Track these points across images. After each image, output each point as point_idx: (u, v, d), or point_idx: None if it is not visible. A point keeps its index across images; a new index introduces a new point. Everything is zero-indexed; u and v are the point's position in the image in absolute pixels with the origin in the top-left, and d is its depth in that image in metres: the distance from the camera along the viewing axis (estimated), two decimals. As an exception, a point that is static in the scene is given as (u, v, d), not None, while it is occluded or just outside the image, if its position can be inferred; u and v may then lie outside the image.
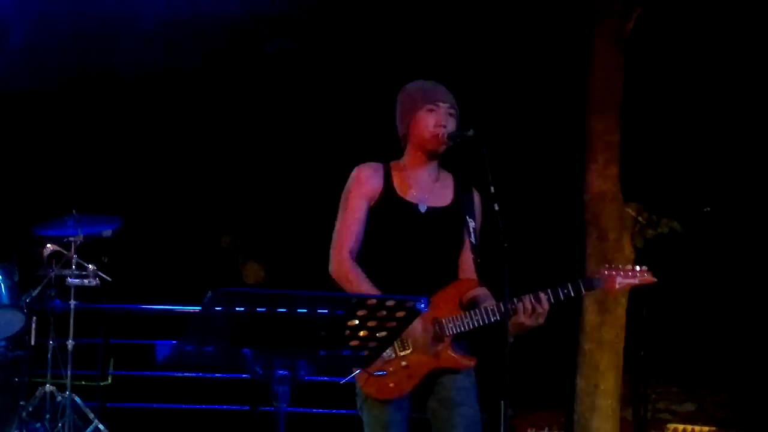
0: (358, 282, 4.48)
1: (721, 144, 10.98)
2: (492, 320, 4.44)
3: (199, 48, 10.30)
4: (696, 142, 10.96)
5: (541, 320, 4.45)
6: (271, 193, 13.10)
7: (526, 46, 10.05)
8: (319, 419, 8.73)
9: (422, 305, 3.30)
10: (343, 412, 8.20)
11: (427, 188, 4.65)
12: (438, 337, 4.48)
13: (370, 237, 4.59)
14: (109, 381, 7.88)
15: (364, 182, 4.61)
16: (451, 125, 4.60)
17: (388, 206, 4.58)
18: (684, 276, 11.03)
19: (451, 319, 4.49)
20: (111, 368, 7.62)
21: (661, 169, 10.75)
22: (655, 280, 4.57)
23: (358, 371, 4.45)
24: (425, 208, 4.62)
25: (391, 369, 4.44)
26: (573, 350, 7.41)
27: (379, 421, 4.47)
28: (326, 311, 3.21)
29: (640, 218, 7.35)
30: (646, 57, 9.16)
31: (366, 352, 3.44)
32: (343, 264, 4.53)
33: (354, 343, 3.37)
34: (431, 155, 4.64)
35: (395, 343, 4.40)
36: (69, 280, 7.26)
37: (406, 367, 4.44)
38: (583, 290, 4.45)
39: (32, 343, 7.19)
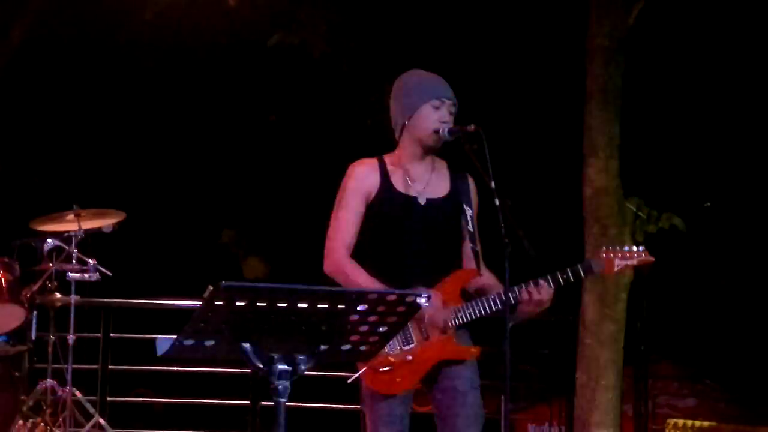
0: (355, 274, 4.49)
1: (721, 139, 10.98)
2: (494, 309, 4.45)
3: (203, 44, 10.30)
4: (696, 137, 10.97)
5: (545, 305, 4.45)
6: (272, 189, 13.11)
7: (526, 40, 10.05)
8: (319, 414, 8.73)
9: (423, 300, 3.29)
10: (343, 406, 8.21)
11: (425, 180, 4.65)
12: (442, 329, 4.49)
13: (370, 233, 4.59)
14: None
15: (361, 180, 4.60)
16: (451, 123, 4.60)
17: (387, 201, 4.58)
18: (684, 271, 11.03)
19: (453, 310, 4.50)
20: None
21: (661, 164, 10.75)
22: (653, 259, 4.58)
23: (363, 369, 4.45)
24: (424, 200, 4.62)
25: (396, 364, 4.45)
26: (573, 345, 7.41)
27: (383, 415, 4.49)
28: (327, 306, 3.21)
29: (640, 213, 7.35)
30: (647, 51, 9.17)
31: (366, 347, 3.43)
32: (339, 259, 4.54)
33: (354, 338, 3.37)
34: (429, 149, 4.64)
35: (398, 337, 4.41)
36: (69, 274, 7.26)
37: (411, 361, 4.46)
38: (582, 274, 4.46)
39: (33, 337, 7.18)
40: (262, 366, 3.24)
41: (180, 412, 9.02)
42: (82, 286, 7.42)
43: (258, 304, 3.12)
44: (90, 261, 7.27)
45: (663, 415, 8.98)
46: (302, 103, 11.26)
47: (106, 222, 7.37)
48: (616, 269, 4.57)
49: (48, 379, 7.19)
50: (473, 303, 4.50)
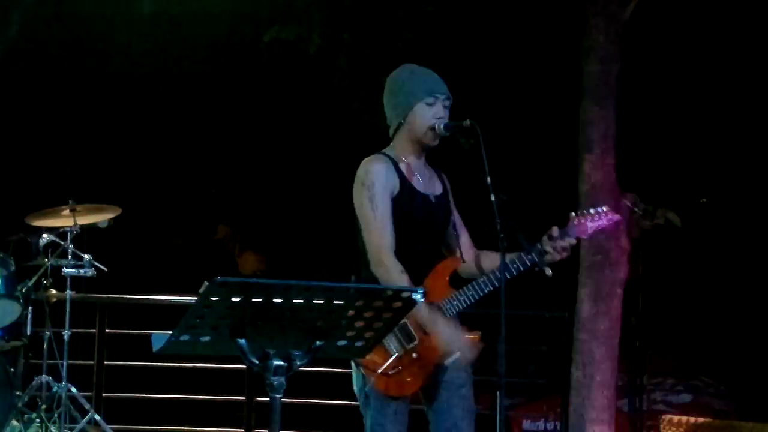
0: (403, 279, 4.43)
1: (717, 135, 10.98)
2: (486, 291, 4.47)
3: (197, 39, 10.29)
4: (692, 132, 10.97)
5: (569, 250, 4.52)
6: (268, 184, 13.11)
7: (522, 36, 10.04)
8: (315, 409, 8.74)
9: (419, 295, 3.30)
10: (339, 402, 8.21)
11: (426, 178, 4.69)
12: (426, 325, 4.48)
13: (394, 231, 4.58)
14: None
15: (385, 176, 4.56)
16: (446, 117, 4.61)
17: (409, 198, 4.59)
18: (680, 266, 11.04)
19: (447, 300, 4.52)
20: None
21: (657, 159, 10.75)
22: (620, 216, 4.63)
23: (374, 377, 4.44)
24: (434, 197, 4.67)
25: (404, 364, 4.46)
26: (569, 341, 7.41)
27: (387, 413, 4.50)
28: (322, 301, 3.21)
29: (636, 209, 7.34)
30: (644, 46, 9.16)
31: (362, 343, 3.44)
32: (389, 261, 4.46)
33: (350, 333, 3.37)
34: (426, 147, 4.65)
35: (400, 337, 4.42)
36: (65, 270, 7.26)
37: (418, 358, 4.46)
38: (559, 242, 4.50)
39: (28, 333, 7.18)
40: (257, 362, 3.25)
41: (175, 407, 9.01)
42: (77, 282, 7.42)
43: (253, 299, 3.12)
44: (85, 256, 7.27)
45: (658, 411, 8.98)
46: (298, 99, 11.25)
47: (101, 217, 7.37)
48: (589, 231, 4.62)
49: (43, 375, 7.18)
50: (464, 289, 4.51)
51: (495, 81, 10.46)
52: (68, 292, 7.29)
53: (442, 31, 9.44)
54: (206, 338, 3.23)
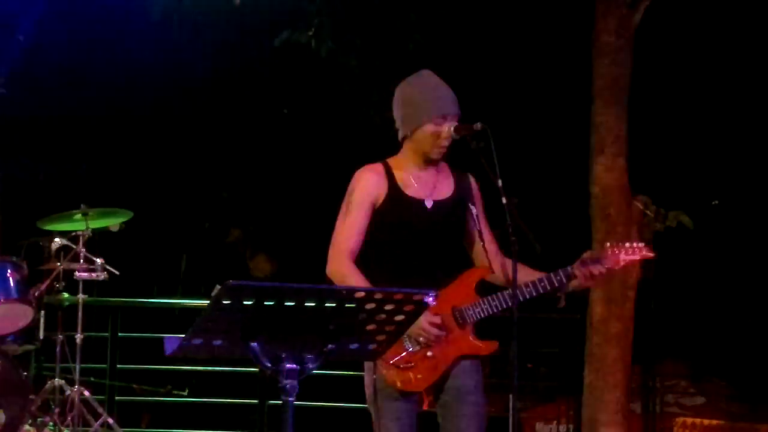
0: (355, 280, 4.47)
1: (729, 137, 10.95)
2: (509, 304, 4.48)
3: (209, 43, 10.30)
4: (704, 134, 10.94)
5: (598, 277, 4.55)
6: (280, 188, 13.11)
7: (533, 38, 10.03)
8: (327, 413, 8.74)
9: (430, 298, 3.30)
10: (351, 405, 8.21)
11: (430, 183, 4.66)
12: (460, 325, 4.52)
13: (379, 237, 4.59)
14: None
15: (368, 186, 4.59)
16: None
17: (396, 205, 4.59)
18: (692, 269, 11.01)
19: (470, 306, 4.54)
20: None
21: (669, 161, 10.73)
22: (654, 254, 4.66)
23: (386, 368, 4.45)
24: (431, 203, 4.64)
25: (417, 361, 4.47)
26: (581, 344, 7.40)
27: (392, 412, 4.50)
28: (334, 305, 3.21)
29: (648, 211, 7.33)
30: (655, 48, 9.14)
31: (374, 346, 3.44)
32: (342, 263, 4.52)
33: (362, 336, 3.37)
34: (432, 161, 4.65)
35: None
36: (77, 273, 7.27)
37: (432, 357, 4.48)
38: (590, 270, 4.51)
39: (41, 337, 7.19)
40: (270, 365, 3.25)
41: (188, 410, 9.02)
42: (89, 286, 7.43)
43: (265, 303, 3.13)
44: (97, 260, 7.28)
45: (671, 413, 8.97)
46: (309, 102, 11.26)
47: (113, 221, 7.38)
48: (621, 263, 4.62)
49: (56, 379, 7.20)
50: (489, 299, 4.53)
51: (506, 83, 10.46)
52: (80, 296, 7.30)
53: (453, 33, 9.44)
54: (218, 342, 3.23)
